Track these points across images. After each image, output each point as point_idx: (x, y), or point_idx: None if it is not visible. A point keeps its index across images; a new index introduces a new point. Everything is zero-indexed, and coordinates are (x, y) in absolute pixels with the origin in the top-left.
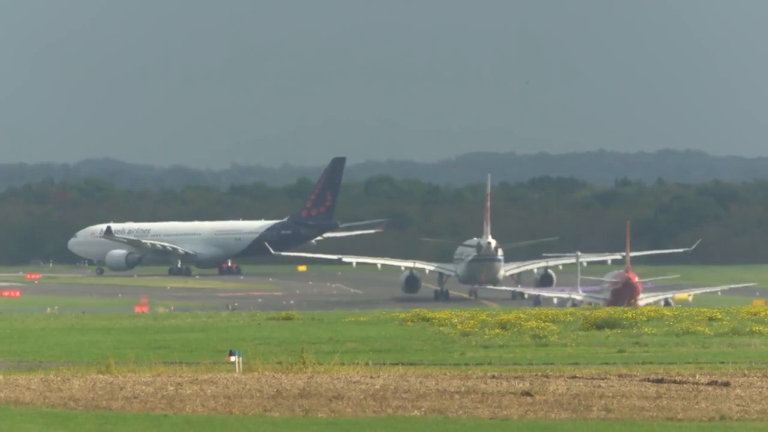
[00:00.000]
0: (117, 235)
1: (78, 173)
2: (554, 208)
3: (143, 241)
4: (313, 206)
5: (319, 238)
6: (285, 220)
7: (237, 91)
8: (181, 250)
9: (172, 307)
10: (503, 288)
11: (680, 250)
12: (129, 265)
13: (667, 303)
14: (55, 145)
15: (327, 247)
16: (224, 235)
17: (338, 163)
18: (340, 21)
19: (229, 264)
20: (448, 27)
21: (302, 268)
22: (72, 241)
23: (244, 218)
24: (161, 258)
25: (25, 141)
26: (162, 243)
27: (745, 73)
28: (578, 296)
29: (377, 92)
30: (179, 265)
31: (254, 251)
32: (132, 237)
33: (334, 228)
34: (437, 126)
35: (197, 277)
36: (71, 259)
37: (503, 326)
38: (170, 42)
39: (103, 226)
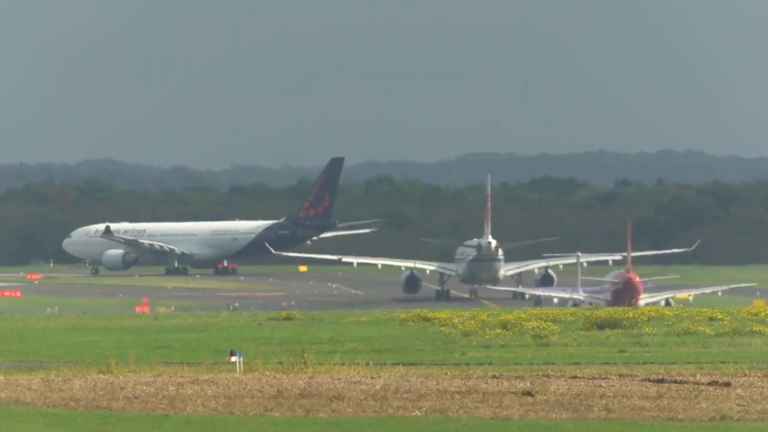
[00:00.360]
0: (116, 235)
1: (78, 173)
2: (554, 209)
3: (141, 240)
4: (311, 206)
5: (314, 238)
6: (282, 220)
7: (237, 92)
8: (178, 250)
9: (172, 308)
10: (504, 288)
11: (680, 250)
12: (126, 265)
13: (667, 303)
14: (55, 145)
15: (322, 247)
16: (221, 236)
17: (336, 163)
18: (341, 21)
19: (225, 264)
20: (449, 27)
21: (303, 268)
22: (66, 241)
23: (245, 219)
24: (158, 258)
25: (26, 141)
26: (160, 243)
27: (745, 73)
28: (579, 296)
29: (377, 92)
30: (176, 265)
31: (251, 251)
32: (129, 237)
33: (332, 228)
34: (437, 126)
35: (198, 276)
36: (71, 259)
37: (504, 326)
38: (170, 42)
39: (99, 226)
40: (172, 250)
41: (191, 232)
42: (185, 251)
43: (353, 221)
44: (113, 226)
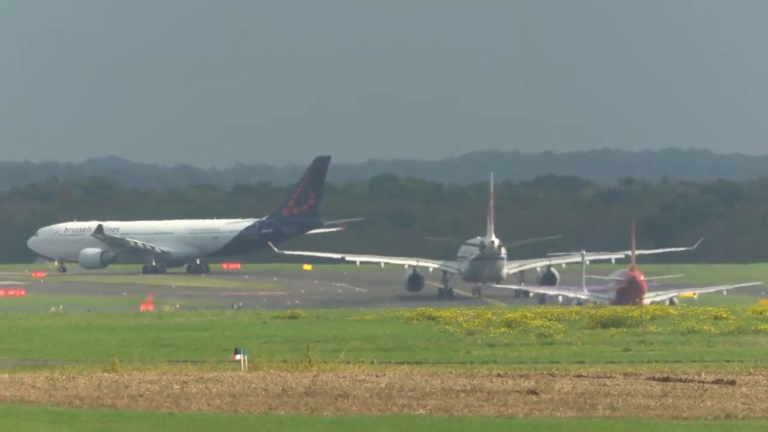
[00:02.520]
0: (106, 234)
1: (82, 172)
2: (558, 207)
3: (127, 239)
4: (295, 204)
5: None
6: (265, 218)
7: (241, 90)
8: (157, 248)
9: (177, 306)
10: (508, 286)
11: (682, 248)
12: (103, 263)
13: (672, 302)
14: (59, 143)
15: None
16: (200, 234)
17: (322, 162)
18: (342, 21)
19: (198, 262)
20: (452, 23)
21: (307, 267)
22: (32, 239)
23: (249, 217)
24: (136, 257)
25: (30, 139)
26: (142, 242)
27: (750, 70)
28: (583, 295)
29: (381, 91)
30: (153, 264)
31: (233, 250)
32: (118, 236)
33: (318, 226)
34: (441, 124)
35: (203, 275)
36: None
37: (509, 325)
38: (174, 41)
39: (69, 225)
40: (152, 248)
41: (168, 231)
42: (164, 249)
43: (355, 219)
44: (85, 224)
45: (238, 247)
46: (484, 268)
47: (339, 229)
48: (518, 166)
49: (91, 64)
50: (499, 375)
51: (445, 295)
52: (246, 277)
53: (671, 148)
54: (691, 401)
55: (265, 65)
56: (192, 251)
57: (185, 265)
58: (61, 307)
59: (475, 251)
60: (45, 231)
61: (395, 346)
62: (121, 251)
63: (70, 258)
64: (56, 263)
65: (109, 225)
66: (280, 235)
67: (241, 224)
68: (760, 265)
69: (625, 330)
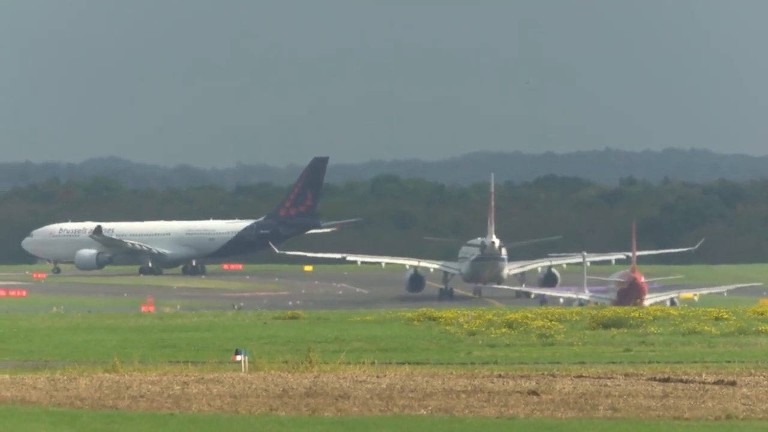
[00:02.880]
0: (104, 235)
1: (83, 172)
2: (559, 208)
3: (124, 240)
4: (293, 205)
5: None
6: (262, 219)
7: (241, 90)
8: (154, 250)
9: (178, 307)
10: (508, 287)
11: (683, 249)
12: (99, 264)
13: (673, 303)
14: (60, 144)
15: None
16: (196, 235)
17: (319, 163)
18: (342, 21)
19: (194, 264)
20: (452, 23)
21: (308, 268)
22: (27, 240)
23: (250, 218)
24: (132, 258)
25: (31, 140)
26: (140, 243)
27: (751, 70)
28: (585, 296)
29: (381, 91)
30: (150, 265)
31: (230, 251)
32: (114, 237)
33: (315, 227)
34: (442, 124)
35: (203, 276)
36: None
37: (510, 325)
38: (174, 41)
39: (64, 225)
40: (149, 249)
41: (164, 232)
42: (160, 250)
43: (352, 220)
44: (78, 225)
45: (235, 248)
46: (484, 268)
47: (333, 229)
48: (519, 166)
49: (91, 64)
50: (500, 376)
51: (446, 295)
52: (247, 277)
53: (672, 148)
54: (692, 402)
55: (265, 65)
56: (189, 252)
57: (181, 267)
58: (62, 307)
59: (476, 252)
60: (40, 232)
61: (396, 346)
62: (117, 252)
63: (65, 259)
64: (53, 264)
65: (104, 226)
66: (278, 236)
67: (238, 225)
68: (762, 265)
69: (626, 331)
